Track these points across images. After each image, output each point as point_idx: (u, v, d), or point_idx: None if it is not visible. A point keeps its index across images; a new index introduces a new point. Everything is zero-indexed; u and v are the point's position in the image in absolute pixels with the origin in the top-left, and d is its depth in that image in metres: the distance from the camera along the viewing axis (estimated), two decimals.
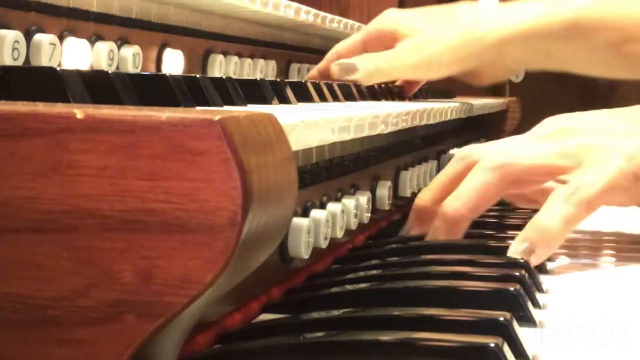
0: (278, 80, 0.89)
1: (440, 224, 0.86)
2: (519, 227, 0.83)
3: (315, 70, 1.24)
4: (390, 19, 1.23)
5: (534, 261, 0.78)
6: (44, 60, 0.70)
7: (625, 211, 1.01)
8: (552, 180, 0.87)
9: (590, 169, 0.81)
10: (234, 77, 0.89)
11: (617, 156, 0.81)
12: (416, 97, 1.35)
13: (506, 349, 0.51)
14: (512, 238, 0.85)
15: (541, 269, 0.81)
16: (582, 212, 0.80)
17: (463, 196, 0.85)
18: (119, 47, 0.82)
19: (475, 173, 0.86)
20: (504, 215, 1.04)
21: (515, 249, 0.79)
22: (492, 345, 0.50)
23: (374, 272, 0.79)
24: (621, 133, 0.85)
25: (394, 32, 1.20)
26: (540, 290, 0.74)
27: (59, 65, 0.72)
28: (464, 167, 0.88)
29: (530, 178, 0.86)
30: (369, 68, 1.14)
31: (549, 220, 0.79)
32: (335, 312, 0.62)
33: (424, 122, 0.98)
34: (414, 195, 1.14)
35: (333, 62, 1.18)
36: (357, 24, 1.40)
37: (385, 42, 1.20)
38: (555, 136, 0.86)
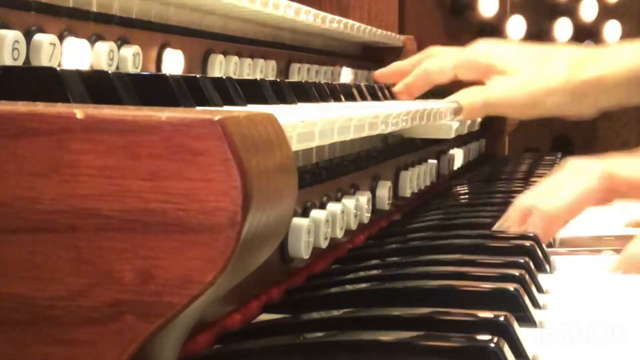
0: (278, 80, 0.89)
1: (538, 222, 0.89)
2: None
3: (403, 85, 1.27)
4: (485, 51, 1.28)
5: None
6: (44, 60, 0.70)
7: (625, 212, 1.01)
8: None
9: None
10: (234, 77, 0.89)
11: None
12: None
13: (506, 349, 0.51)
14: (510, 238, 0.86)
15: (541, 268, 0.81)
16: None
17: (564, 197, 0.88)
18: (119, 47, 0.82)
19: (580, 176, 0.89)
20: None
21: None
22: (492, 345, 0.51)
23: (374, 272, 0.79)
24: None
25: (491, 65, 1.25)
26: (540, 290, 0.74)
27: (59, 65, 0.72)
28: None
29: (631, 193, 0.89)
30: (474, 105, 1.20)
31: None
32: (335, 312, 0.62)
33: (423, 122, 0.98)
34: (414, 195, 1.15)
35: (421, 79, 1.25)
36: (357, 24, 1.40)
37: (479, 72, 1.26)
38: None
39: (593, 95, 1.22)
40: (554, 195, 0.89)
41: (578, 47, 1.37)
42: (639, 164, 0.89)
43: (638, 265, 0.81)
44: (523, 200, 0.93)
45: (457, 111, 1.16)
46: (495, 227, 0.93)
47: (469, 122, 1.33)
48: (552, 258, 0.88)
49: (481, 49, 1.29)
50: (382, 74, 1.35)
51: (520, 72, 1.23)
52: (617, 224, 1.05)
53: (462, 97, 1.22)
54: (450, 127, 1.17)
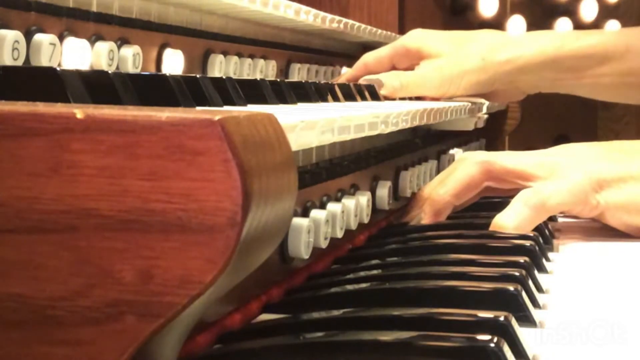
0: (278, 80, 0.89)
1: (427, 208, 1.00)
2: None
3: (343, 78, 1.36)
4: (416, 38, 1.37)
5: None
6: (44, 60, 0.70)
7: None
8: (525, 184, 0.97)
9: (553, 180, 0.94)
10: (234, 77, 0.89)
11: (579, 172, 0.94)
12: (416, 96, 1.35)
13: (506, 349, 0.51)
14: (510, 238, 0.86)
15: (541, 268, 0.81)
16: (536, 214, 0.92)
17: (449, 184, 1.00)
18: (119, 47, 0.82)
19: (462, 165, 1.00)
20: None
21: None
22: (492, 345, 0.51)
23: (374, 272, 0.79)
24: (594, 159, 0.97)
25: (419, 50, 1.34)
26: (540, 290, 0.74)
27: (59, 65, 0.72)
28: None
29: (507, 178, 0.98)
30: (395, 85, 1.28)
31: (506, 219, 0.91)
32: (335, 312, 0.62)
33: (424, 122, 0.98)
34: (414, 195, 1.14)
35: (361, 71, 1.33)
36: (357, 24, 1.40)
37: (411, 58, 1.35)
38: (544, 152, 1.00)
39: (507, 77, 1.33)
40: (441, 184, 1.01)
41: (500, 32, 1.47)
42: (518, 156, 0.99)
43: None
44: (420, 192, 1.05)
45: (380, 86, 1.25)
46: (406, 219, 1.03)
47: (486, 116, 1.44)
48: (553, 257, 0.88)
49: (412, 37, 1.37)
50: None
51: (441, 55, 1.33)
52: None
53: (386, 76, 1.29)
54: (470, 121, 1.34)
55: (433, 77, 1.31)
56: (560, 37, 1.36)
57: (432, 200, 1.00)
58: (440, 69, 1.32)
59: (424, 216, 1.00)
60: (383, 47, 1.39)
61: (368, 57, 1.36)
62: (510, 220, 0.91)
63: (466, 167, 1.00)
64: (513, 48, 1.34)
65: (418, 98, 1.38)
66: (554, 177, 0.94)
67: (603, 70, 1.32)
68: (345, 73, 1.39)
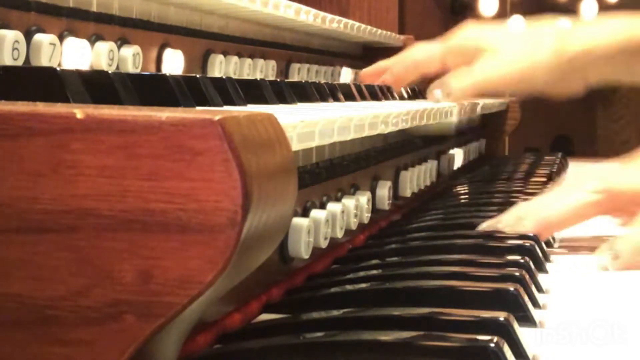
0: (278, 80, 0.89)
1: (528, 225, 0.90)
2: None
3: (390, 75, 1.27)
4: (472, 35, 1.26)
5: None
6: (44, 60, 0.70)
7: None
8: None
9: None
10: (234, 77, 0.89)
11: None
12: (416, 96, 1.35)
13: (506, 349, 0.51)
14: (510, 238, 0.86)
15: (541, 268, 0.81)
16: None
17: (558, 211, 0.90)
18: (119, 47, 0.82)
19: (580, 192, 0.90)
20: None
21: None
22: (492, 345, 0.51)
23: (374, 272, 0.79)
24: None
25: (477, 48, 1.23)
26: (540, 290, 0.74)
27: (59, 65, 0.72)
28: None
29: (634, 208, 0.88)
30: (464, 87, 1.18)
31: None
32: (335, 312, 0.62)
33: (423, 122, 0.98)
34: (414, 195, 1.15)
35: (410, 70, 1.24)
36: (357, 24, 1.40)
37: (465, 56, 1.23)
38: None
39: (581, 68, 1.21)
40: (551, 205, 0.91)
41: (563, 20, 1.34)
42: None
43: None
44: (520, 206, 0.95)
45: (447, 93, 1.16)
46: (484, 226, 0.94)
47: (467, 117, 1.34)
48: (553, 257, 0.88)
49: (467, 33, 1.27)
50: (367, 73, 1.32)
51: (507, 50, 1.22)
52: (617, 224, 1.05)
53: (451, 78, 1.20)
54: (450, 125, 1.20)
55: (507, 74, 1.21)
56: (629, 21, 1.21)
57: (537, 218, 0.91)
58: (513, 65, 1.21)
59: (523, 230, 0.90)
60: (433, 44, 1.29)
61: (417, 55, 1.27)
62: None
63: (580, 196, 0.90)
64: (586, 37, 1.21)
65: (420, 91, 1.34)
66: None
67: None
68: (377, 71, 1.29)
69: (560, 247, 0.96)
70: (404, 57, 1.27)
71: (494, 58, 1.21)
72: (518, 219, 0.92)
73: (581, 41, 1.20)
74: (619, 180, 0.90)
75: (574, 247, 0.94)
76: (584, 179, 0.93)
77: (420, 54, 1.27)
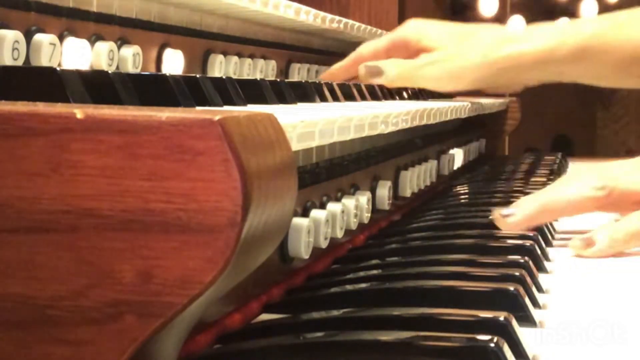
0: (278, 80, 0.89)
1: (529, 206, 0.92)
2: None
3: (337, 66, 1.31)
4: (415, 29, 1.34)
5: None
6: (44, 60, 0.70)
7: None
8: None
9: None
10: (234, 77, 0.89)
11: None
12: (416, 97, 1.35)
13: (506, 349, 0.51)
14: (510, 238, 0.86)
15: (541, 268, 0.81)
16: None
17: (556, 202, 0.92)
18: (119, 47, 0.82)
19: (577, 186, 0.93)
20: None
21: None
22: (492, 345, 0.51)
23: (374, 272, 0.79)
24: None
25: (418, 42, 1.31)
26: (540, 290, 0.74)
27: (59, 65, 0.72)
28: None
29: (632, 207, 0.91)
30: (395, 73, 1.25)
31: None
32: (335, 312, 0.62)
33: (424, 122, 0.98)
34: (414, 195, 1.15)
35: (356, 62, 1.28)
36: (357, 24, 1.40)
37: (409, 50, 1.31)
38: None
39: (510, 71, 1.30)
40: (551, 193, 0.94)
41: (502, 27, 1.45)
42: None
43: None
44: (522, 199, 0.96)
45: (379, 73, 1.23)
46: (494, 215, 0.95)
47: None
48: (552, 257, 0.88)
49: (412, 27, 1.34)
50: (324, 76, 1.36)
51: (443, 49, 1.30)
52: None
53: (386, 63, 1.26)
54: None
55: (434, 70, 1.29)
56: (560, 30, 1.34)
57: (538, 201, 0.93)
58: (441, 62, 1.29)
59: (516, 219, 0.92)
60: (379, 39, 1.36)
61: (363, 48, 1.34)
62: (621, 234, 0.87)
63: (580, 189, 0.93)
64: (514, 44, 1.32)
65: (420, 91, 1.37)
66: None
67: (605, 58, 1.29)
68: (337, 63, 1.35)
69: (560, 239, 0.96)
70: (352, 54, 1.33)
71: (429, 56, 1.29)
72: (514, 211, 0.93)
73: (510, 47, 1.29)
74: (620, 180, 0.91)
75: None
76: (585, 173, 0.95)
77: (365, 48, 1.33)
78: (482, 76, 1.30)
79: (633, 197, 0.91)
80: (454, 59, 1.29)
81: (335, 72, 1.30)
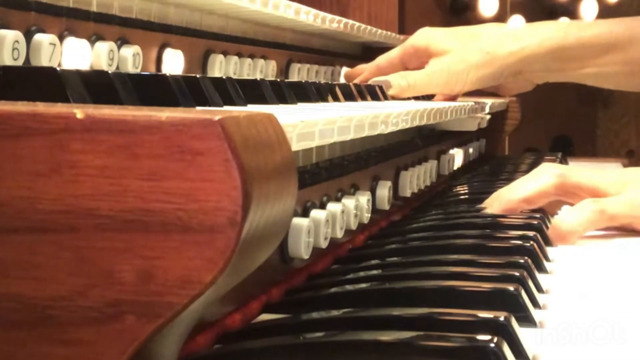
0: (278, 80, 0.89)
1: (496, 205, 1.03)
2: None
3: (357, 80, 1.38)
4: (423, 36, 1.40)
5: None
6: (44, 60, 0.70)
7: None
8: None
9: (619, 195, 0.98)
10: (234, 77, 0.89)
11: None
12: (416, 97, 1.35)
13: (506, 349, 0.51)
14: (510, 238, 0.86)
15: (541, 268, 0.81)
16: (597, 218, 0.96)
17: (524, 190, 1.03)
18: (119, 47, 0.82)
19: (540, 175, 1.04)
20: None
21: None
22: (492, 345, 0.51)
23: (374, 272, 0.79)
24: None
25: (427, 49, 1.38)
26: (540, 290, 0.74)
27: (59, 65, 0.72)
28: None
29: (579, 193, 1.01)
30: (402, 85, 1.31)
31: (567, 219, 0.95)
32: (335, 312, 0.62)
33: (424, 122, 0.98)
34: (414, 195, 1.15)
35: (372, 74, 1.37)
36: (357, 24, 1.40)
37: (420, 57, 1.39)
38: (618, 172, 1.04)
39: (512, 69, 1.36)
40: (517, 189, 1.04)
41: (503, 25, 1.51)
42: (592, 173, 1.03)
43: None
44: (496, 192, 1.06)
45: (387, 87, 1.29)
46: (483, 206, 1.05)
47: (489, 116, 1.49)
48: (552, 257, 0.88)
49: (420, 36, 1.40)
50: (350, 73, 1.45)
51: (448, 52, 1.36)
52: None
53: (393, 76, 1.33)
54: (473, 121, 1.39)
55: (439, 75, 1.34)
56: (564, 27, 1.39)
57: (505, 200, 1.03)
58: (446, 66, 1.34)
59: (491, 212, 1.03)
60: (394, 49, 1.42)
61: (380, 60, 1.40)
62: (572, 220, 0.95)
63: (543, 177, 1.03)
64: (516, 40, 1.36)
65: (429, 97, 1.40)
66: (621, 194, 0.98)
67: (607, 60, 1.34)
68: (359, 74, 1.42)
69: (560, 246, 0.96)
70: (370, 67, 1.41)
71: (433, 62, 1.35)
72: (492, 200, 1.04)
73: (512, 44, 1.35)
74: (574, 172, 1.03)
75: (574, 247, 0.95)
76: (545, 167, 1.06)
77: (382, 59, 1.41)
78: (488, 74, 1.34)
79: (581, 187, 1.01)
80: (459, 61, 1.34)
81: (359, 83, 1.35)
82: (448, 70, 1.34)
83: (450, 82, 1.34)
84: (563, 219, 0.96)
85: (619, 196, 0.98)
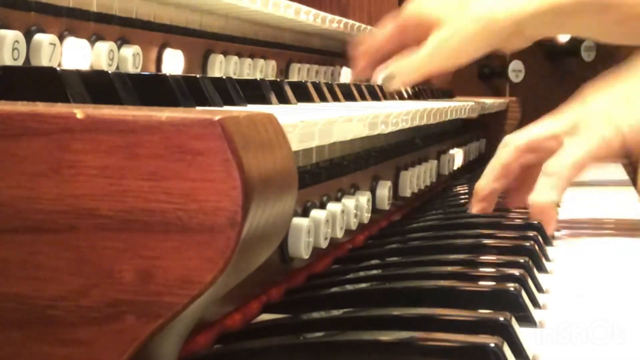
0: (278, 80, 0.89)
1: (473, 200, 1.04)
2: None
3: (358, 70, 1.30)
4: (415, 10, 1.31)
5: None
6: (44, 60, 0.70)
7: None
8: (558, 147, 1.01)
9: (579, 135, 1.00)
10: (234, 77, 0.89)
11: (607, 125, 1.00)
12: (416, 97, 1.35)
13: (506, 349, 0.51)
14: (510, 238, 0.86)
15: (541, 268, 0.81)
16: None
17: (487, 173, 1.04)
18: (119, 47, 0.82)
19: (497, 152, 1.05)
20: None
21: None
22: (492, 345, 0.50)
23: (374, 272, 0.79)
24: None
25: (428, 20, 1.28)
26: (540, 290, 0.74)
27: (59, 65, 0.72)
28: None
29: (538, 147, 1.03)
30: (407, 72, 1.24)
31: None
32: (335, 312, 0.62)
33: (424, 122, 0.98)
34: (414, 195, 1.15)
35: (370, 55, 1.28)
36: (357, 23, 1.40)
37: (421, 28, 1.28)
38: (565, 111, 1.06)
39: (513, 30, 1.28)
40: (483, 176, 1.05)
41: None
42: (540, 123, 1.07)
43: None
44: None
45: (391, 77, 1.21)
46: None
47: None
48: (552, 256, 0.88)
49: (410, 10, 1.32)
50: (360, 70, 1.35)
51: (443, 22, 1.28)
52: (617, 207, 1.07)
53: (398, 66, 1.25)
54: None
55: (441, 54, 1.27)
56: None
57: (476, 192, 1.04)
58: (444, 44, 1.27)
59: (471, 207, 1.04)
60: (384, 28, 1.34)
61: (375, 39, 1.32)
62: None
63: (498, 152, 1.05)
64: (512, 2, 1.29)
65: (420, 91, 1.36)
66: (578, 131, 1.00)
67: (604, 17, 1.28)
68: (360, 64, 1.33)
69: (560, 246, 0.96)
70: (366, 47, 1.31)
71: (428, 42, 1.26)
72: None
73: (507, 4, 1.27)
74: (523, 131, 1.08)
75: (574, 233, 0.95)
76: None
77: (377, 38, 1.32)
78: (485, 40, 1.29)
79: (538, 141, 1.04)
80: (455, 36, 1.28)
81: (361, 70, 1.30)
82: (446, 46, 1.27)
83: (452, 56, 1.27)
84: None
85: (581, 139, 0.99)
